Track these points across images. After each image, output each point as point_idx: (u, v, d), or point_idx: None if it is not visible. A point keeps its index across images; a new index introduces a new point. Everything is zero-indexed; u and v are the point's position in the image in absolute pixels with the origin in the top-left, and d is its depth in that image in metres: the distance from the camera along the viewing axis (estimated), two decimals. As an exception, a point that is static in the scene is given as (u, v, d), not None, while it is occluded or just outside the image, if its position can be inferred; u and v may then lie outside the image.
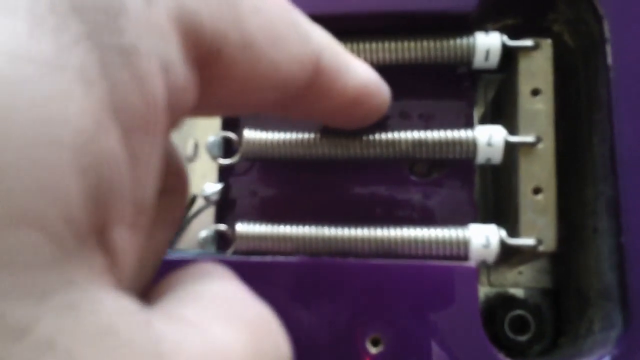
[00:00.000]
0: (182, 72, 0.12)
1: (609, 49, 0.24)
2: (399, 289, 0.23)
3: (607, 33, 0.24)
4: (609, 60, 0.24)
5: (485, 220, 0.25)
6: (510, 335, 0.27)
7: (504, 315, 0.28)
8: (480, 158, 0.25)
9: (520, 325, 0.28)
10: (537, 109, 0.25)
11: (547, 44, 0.25)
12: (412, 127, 0.25)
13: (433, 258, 0.24)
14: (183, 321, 0.12)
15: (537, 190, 0.24)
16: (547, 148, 0.24)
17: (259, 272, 0.23)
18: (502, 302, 0.29)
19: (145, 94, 0.11)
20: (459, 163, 0.26)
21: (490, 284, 0.30)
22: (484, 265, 0.24)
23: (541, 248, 0.24)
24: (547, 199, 0.24)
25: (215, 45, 0.13)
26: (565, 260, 0.27)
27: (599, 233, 0.25)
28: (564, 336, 0.27)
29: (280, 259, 0.24)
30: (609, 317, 0.23)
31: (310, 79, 0.17)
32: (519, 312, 0.28)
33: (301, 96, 0.17)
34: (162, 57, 0.11)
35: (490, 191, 0.29)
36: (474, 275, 0.23)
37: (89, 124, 0.10)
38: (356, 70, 0.19)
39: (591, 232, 0.25)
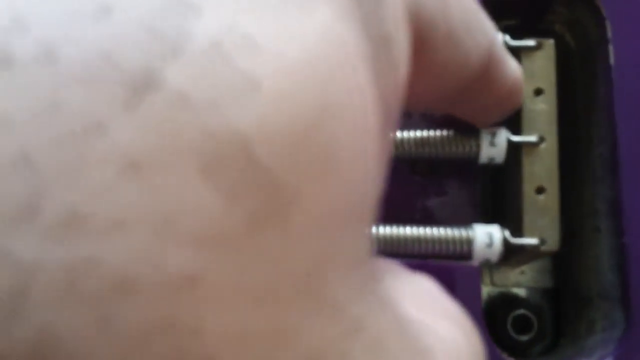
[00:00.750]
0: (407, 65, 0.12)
1: (611, 49, 0.24)
2: (402, 289, 0.23)
3: (609, 33, 0.24)
4: (611, 60, 0.24)
5: (486, 220, 0.25)
6: (513, 334, 0.28)
7: (507, 315, 0.28)
8: (483, 158, 0.25)
9: (522, 324, 0.28)
10: (540, 109, 0.25)
11: (549, 44, 0.25)
12: (414, 127, 0.25)
13: (436, 257, 0.24)
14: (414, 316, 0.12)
15: (540, 190, 0.24)
16: (550, 148, 0.24)
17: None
18: (505, 302, 0.29)
19: (396, 86, 0.11)
20: (461, 163, 0.26)
21: (493, 284, 0.30)
22: (486, 264, 0.24)
23: (544, 248, 0.24)
24: (550, 198, 0.24)
25: (425, 34, 0.12)
26: (565, 260, 0.27)
27: (601, 233, 0.25)
28: (564, 336, 0.27)
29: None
30: (610, 317, 0.24)
31: (484, 69, 0.16)
32: (521, 311, 0.28)
33: (470, 89, 0.16)
34: (403, 48, 0.11)
35: (492, 191, 0.29)
36: (476, 274, 0.23)
37: (380, 115, 0.10)
38: (511, 60, 0.18)
39: (591, 232, 0.25)
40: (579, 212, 0.27)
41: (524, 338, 0.27)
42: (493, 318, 0.28)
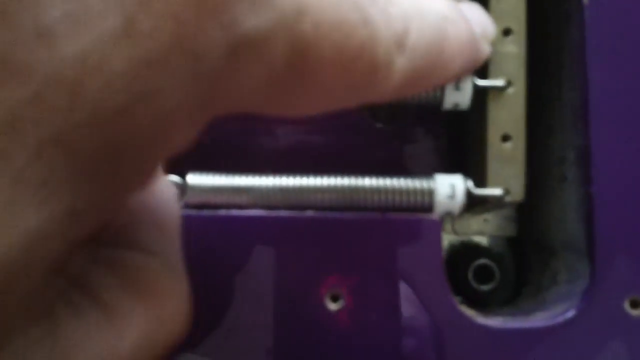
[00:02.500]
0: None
1: (584, -14, 0.22)
2: (360, 243, 0.22)
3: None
4: (585, 0, 0.22)
5: (452, 170, 0.24)
6: (474, 284, 0.27)
7: (468, 265, 0.27)
8: (448, 103, 0.23)
9: (484, 274, 0.27)
10: (508, 51, 0.23)
11: (519, -21, 0.23)
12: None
13: (396, 210, 0.23)
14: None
15: (505, 138, 0.23)
16: (517, 93, 0.23)
17: (212, 227, 0.22)
18: (467, 251, 0.28)
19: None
20: (425, 109, 0.24)
21: (455, 232, 0.29)
22: (448, 215, 0.23)
23: (508, 198, 0.23)
24: (516, 147, 0.23)
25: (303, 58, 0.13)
26: (530, 209, 0.27)
27: (568, 182, 0.24)
28: (527, 286, 0.27)
29: (234, 212, 0.22)
30: (574, 269, 0.23)
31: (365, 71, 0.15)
32: (483, 261, 0.27)
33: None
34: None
35: (458, 139, 0.28)
36: (437, 228, 0.22)
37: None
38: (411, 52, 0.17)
39: (558, 180, 0.24)
40: (546, 160, 0.25)
41: (485, 288, 0.27)
42: (454, 267, 0.28)
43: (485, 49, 0.21)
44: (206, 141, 0.26)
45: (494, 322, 0.22)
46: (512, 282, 0.28)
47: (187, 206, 0.23)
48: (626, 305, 0.21)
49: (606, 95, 0.22)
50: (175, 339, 0.14)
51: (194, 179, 0.23)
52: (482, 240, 0.29)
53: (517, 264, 0.28)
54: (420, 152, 0.26)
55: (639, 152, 0.22)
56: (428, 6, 0.19)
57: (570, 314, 0.21)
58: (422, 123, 0.25)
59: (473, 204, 0.24)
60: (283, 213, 0.22)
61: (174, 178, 0.24)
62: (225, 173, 0.23)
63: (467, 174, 0.23)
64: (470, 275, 0.27)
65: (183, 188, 0.23)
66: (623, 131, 0.22)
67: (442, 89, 0.23)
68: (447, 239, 0.29)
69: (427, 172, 0.24)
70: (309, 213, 0.22)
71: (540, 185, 0.26)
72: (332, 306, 0.21)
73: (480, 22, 0.21)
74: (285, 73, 0.13)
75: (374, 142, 0.25)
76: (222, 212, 0.22)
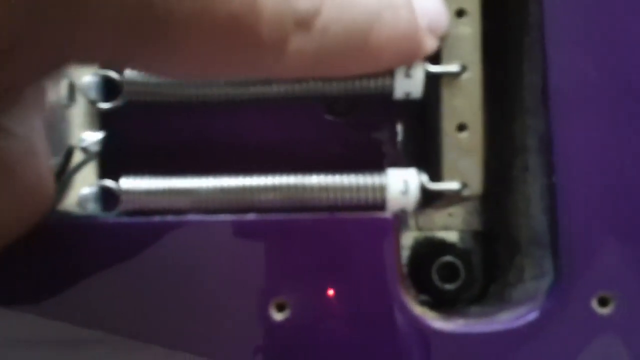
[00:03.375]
0: None
1: (541, -41, 0.21)
2: (306, 246, 0.20)
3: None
4: (542, -27, 0.21)
5: (409, 164, 0.22)
6: (439, 283, 0.25)
7: (432, 263, 0.26)
8: (398, 92, 0.21)
9: (449, 272, 0.25)
10: (462, 33, 0.21)
11: (472, -44, 0.21)
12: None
13: (347, 208, 0.21)
14: None
15: (461, 127, 0.21)
16: (473, 79, 0.21)
17: (148, 235, 0.20)
18: (431, 248, 0.26)
19: None
20: (382, 100, 0.23)
21: (419, 228, 0.27)
22: (403, 212, 0.21)
23: (466, 192, 0.21)
24: (473, 137, 0.21)
25: None
26: (496, 201, 0.25)
27: (530, 172, 0.22)
28: (495, 283, 0.25)
29: (170, 218, 0.20)
30: (540, 265, 0.21)
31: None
32: (447, 259, 0.26)
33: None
34: None
35: (414, 131, 0.26)
36: (389, 226, 0.20)
37: None
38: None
39: (520, 171, 0.23)
40: (508, 148, 0.24)
41: (450, 287, 0.25)
42: (419, 266, 0.26)
43: (429, 43, 0.20)
44: (151, 142, 0.24)
45: (453, 325, 0.20)
46: (479, 280, 0.26)
47: (125, 212, 0.22)
48: (594, 304, 0.20)
49: (567, 77, 0.20)
50: (37, 213, 0.18)
51: (128, 182, 0.21)
52: (448, 235, 0.27)
53: (486, 259, 0.27)
54: (376, 145, 0.24)
55: (604, 138, 0.20)
56: None
57: (533, 315, 0.20)
58: (379, 114, 0.24)
59: (431, 198, 0.22)
60: (223, 217, 0.20)
61: (108, 182, 0.22)
62: (167, 175, 0.22)
63: (424, 167, 0.22)
64: (434, 273, 0.26)
65: (117, 193, 0.22)
66: (586, 116, 0.20)
67: (392, 77, 0.21)
68: (411, 235, 0.27)
69: (384, 165, 0.22)
70: (251, 216, 0.20)
71: (504, 176, 0.24)
72: (278, 316, 0.20)
73: (431, 12, 0.20)
74: (133, 30, 0.14)
75: (326, 135, 0.24)
76: (157, 219, 0.20)
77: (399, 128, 0.24)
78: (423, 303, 0.25)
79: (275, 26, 0.15)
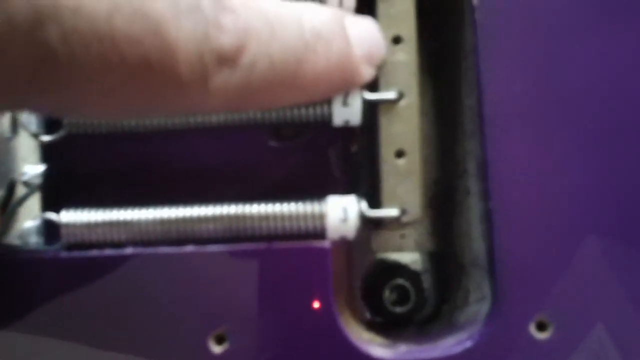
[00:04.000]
0: None
1: (473, -14, 0.21)
2: (245, 277, 0.20)
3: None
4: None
5: (351, 190, 0.22)
6: (390, 307, 0.25)
7: (384, 285, 0.26)
8: (337, 120, 0.22)
9: (401, 294, 0.25)
10: (399, 60, 0.22)
11: (408, -17, 0.22)
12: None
13: (287, 237, 0.21)
14: None
15: (399, 154, 0.21)
16: (410, 105, 0.22)
17: (85, 269, 0.20)
18: (382, 271, 0.26)
19: None
20: (324, 126, 0.23)
21: (371, 250, 0.27)
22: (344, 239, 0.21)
23: (405, 218, 0.21)
24: (411, 162, 0.21)
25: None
26: (444, 223, 0.25)
27: (471, 195, 0.22)
28: (446, 304, 0.25)
29: (108, 252, 0.20)
30: (481, 288, 0.21)
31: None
32: (398, 281, 0.26)
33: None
34: None
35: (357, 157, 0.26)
36: (326, 255, 0.20)
37: None
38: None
39: (463, 194, 0.23)
40: (453, 171, 0.24)
41: (400, 310, 0.25)
42: (371, 288, 0.26)
43: (366, 72, 0.20)
44: (94, 173, 0.24)
45: (393, 353, 0.20)
46: (432, 301, 0.26)
47: (66, 246, 0.22)
48: (532, 329, 0.20)
49: (500, 101, 0.20)
50: None
51: (69, 215, 0.21)
52: (401, 257, 0.27)
53: (439, 280, 0.27)
54: (320, 171, 0.24)
55: (538, 163, 0.20)
56: (290, 21, 0.17)
57: (471, 342, 0.20)
58: (322, 140, 0.24)
59: (374, 224, 0.22)
60: (161, 249, 0.20)
61: (50, 215, 0.22)
62: (111, 206, 0.22)
63: (365, 193, 0.22)
64: (386, 296, 0.26)
65: (58, 226, 0.22)
66: (519, 140, 0.20)
67: (329, 106, 0.21)
68: (367, 257, 0.27)
69: (327, 192, 0.22)
70: (190, 248, 0.20)
71: (449, 198, 0.24)
72: (217, 349, 0.20)
73: (367, 41, 0.20)
74: (33, 74, 0.13)
75: (271, 161, 0.24)
76: (94, 252, 0.20)
77: (342, 154, 0.24)
78: (376, 325, 0.25)
79: (195, 64, 0.15)
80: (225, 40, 0.16)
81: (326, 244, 0.20)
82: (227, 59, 0.16)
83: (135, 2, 0.14)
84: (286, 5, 0.18)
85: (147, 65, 0.14)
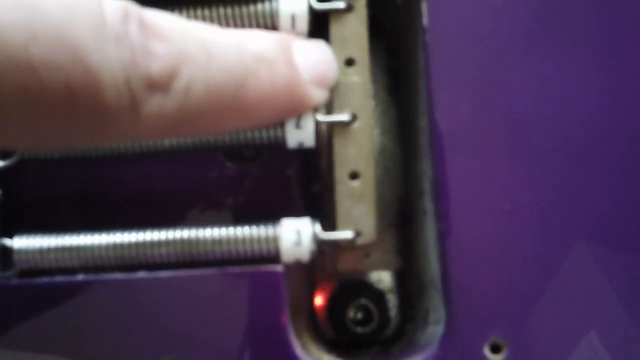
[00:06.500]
0: None
1: (424, 6, 0.21)
2: (197, 302, 0.20)
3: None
4: (425, 21, 0.21)
5: (308, 213, 0.22)
6: (352, 327, 0.25)
7: (347, 305, 0.26)
8: (291, 142, 0.21)
9: (364, 314, 0.25)
10: (352, 82, 0.22)
11: (361, 4, 0.22)
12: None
13: (242, 261, 0.21)
14: None
15: (354, 175, 0.21)
16: (363, 127, 0.21)
17: (37, 297, 0.20)
18: (345, 291, 0.26)
19: None
20: (281, 148, 0.23)
21: (335, 269, 0.27)
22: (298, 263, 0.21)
23: (359, 240, 0.21)
24: (365, 184, 0.21)
25: None
26: (407, 242, 0.25)
27: (427, 216, 0.22)
28: (410, 323, 0.25)
29: (59, 279, 0.20)
30: (438, 310, 0.21)
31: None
32: (362, 301, 0.25)
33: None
34: None
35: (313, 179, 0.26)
36: (279, 279, 0.20)
37: None
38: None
39: (421, 214, 0.23)
40: (411, 191, 0.24)
41: (362, 330, 0.25)
42: (334, 308, 0.26)
43: (317, 95, 0.20)
44: (49, 198, 0.24)
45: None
46: (396, 320, 0.26)
47: (20, 272, 0.21)
48: (486, 351, 0.20)
49: (450, 121, 0.20)
50: None
51: (21, 241, 0.21)
52: (372, 275, 0.27)
53: (404, 299, 0.27)
54: (276, 193, 0.24)
55: (488, 184, 0.20)
56: (230, 46, 0.17)
57: (422, 365, 0.20)
58: (279, 162, 0.24)
59: (330, 246, 0.22)
60: (111, 276, 0.20)
61: (4, 241, 0.22)
62: (65, 231, 0.22)
63: (321, 217, 0.22)
64: (350, 316, 0.25)
65: (9, 251, 0.21)
66: (469, 161, 0.20)
67: (282, 128, 0.21)
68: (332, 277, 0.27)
69: (283, 214, 0.22)
70: (141, 274, 0.20)
71: (410, 218, 0.24)
72: (168, 375, 0.20)
73: (317, 64, 0.20)
74: None
75: (227, 184, 0.24)
76: (45, 280, 0.20)
77: (298, 176, 0.24)
78: (341, 346, 0.25)
79: (122, 91, 0.15)
80: (155, 66, 0.15)
81: (278, 268, 0.20)
82: (157, 85, 0.16)
83: (54, 29, 0.14)
84: (228, 32, 0.18)
85: (70, 93, 0.14)
